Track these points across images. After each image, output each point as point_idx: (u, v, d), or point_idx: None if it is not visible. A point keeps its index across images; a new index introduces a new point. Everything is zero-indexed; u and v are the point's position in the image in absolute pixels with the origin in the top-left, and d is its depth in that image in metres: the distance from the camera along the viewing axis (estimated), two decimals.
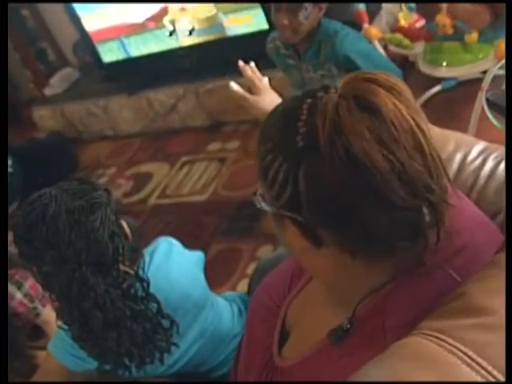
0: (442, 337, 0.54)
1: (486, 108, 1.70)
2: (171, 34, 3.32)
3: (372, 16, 2.83)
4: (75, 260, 1.04)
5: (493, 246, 0.69)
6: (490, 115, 1.69)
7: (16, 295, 1.98)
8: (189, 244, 1.40)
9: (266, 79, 1.32)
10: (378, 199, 0.59)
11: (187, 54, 3.35)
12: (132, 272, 1.13)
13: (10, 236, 1.10)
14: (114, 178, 3.39)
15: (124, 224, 1.15)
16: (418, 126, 0.60)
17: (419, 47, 2.48)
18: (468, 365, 0.51)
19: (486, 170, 0.88)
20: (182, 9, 3.20)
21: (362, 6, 2.45)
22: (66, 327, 1.13)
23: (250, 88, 1.31)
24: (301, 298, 0.90)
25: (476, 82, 2.25)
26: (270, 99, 1.27)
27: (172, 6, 3.23)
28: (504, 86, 1.64)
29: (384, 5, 3.01)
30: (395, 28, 2.76)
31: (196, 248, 1.44)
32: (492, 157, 0.90)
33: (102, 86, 3.82)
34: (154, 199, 3.06)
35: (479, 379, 0.50)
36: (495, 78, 2.03)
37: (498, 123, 1.70)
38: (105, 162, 3.64)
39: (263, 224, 2.45)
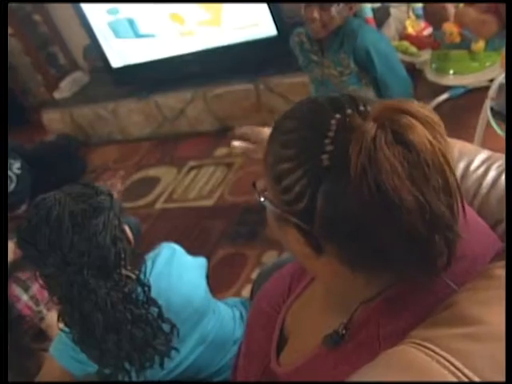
0: (431, 346, 0.54)
1: (490, 117, 1.70)
2: (180, 39, 3.34)
3: (380, 23, 2.84)
4: (77, 263, 1.06)
5: (491, 256, 0.69)
6: (494, 124, 1.68)
7: (22, 297, 1.98)
8: (194, 248, 1.41)
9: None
10: (397, 232, 0.59)
11: (195, 60, 3.36)
12: (134, 276, 1.14)
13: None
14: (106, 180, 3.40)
15: (126, 228, 1.16)
16: (448, 163, 0.59)
17: (426, 55, 2.48)
18: (454, 374, 0.51)
19: (488, 179, 0.88)
20: (190, 14, 3.21)
21: (369, 13, 2.46)
22: (67, 330, 1.13)
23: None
24: (299, 304, 0.90)
25: (484, 90, 2.24)
26: None
27: (181, 13, 3.24)
28: None
29: (392, 12, 3.02)
30: (402, 35, 2.76)
31: (201, 252, 1.45)
32: (495, 166, 0.89)
33: (111, 90, 3.84)
34: (160, 203, 3.06)
35: None
36: (501, 86, 2.03)
37: (502, 132, 1.70)
38: (113, 165, 3.65)
39: (268, 230, 2.44)
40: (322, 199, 0.60)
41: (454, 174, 0.60)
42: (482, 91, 2.30)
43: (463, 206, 0.63)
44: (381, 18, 2.90)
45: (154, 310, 1.15)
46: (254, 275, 2.23)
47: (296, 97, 2.93)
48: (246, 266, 2.37)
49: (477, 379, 0.50)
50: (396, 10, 3.02)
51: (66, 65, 4.39)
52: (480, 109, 2.19)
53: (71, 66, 4.38)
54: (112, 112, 3.79)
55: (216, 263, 2.43)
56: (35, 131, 4.17)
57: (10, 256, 1.88)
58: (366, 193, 0.57)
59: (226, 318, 1.38)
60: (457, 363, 0.52)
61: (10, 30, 3.84)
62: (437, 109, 2.59)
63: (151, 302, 1.14)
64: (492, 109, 1.72)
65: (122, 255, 1.10)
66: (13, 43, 4.09)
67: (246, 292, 2.15)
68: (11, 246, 1.83)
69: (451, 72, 2.36)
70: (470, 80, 2.38)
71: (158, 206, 3.05)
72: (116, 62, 3.65)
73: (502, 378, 0.52)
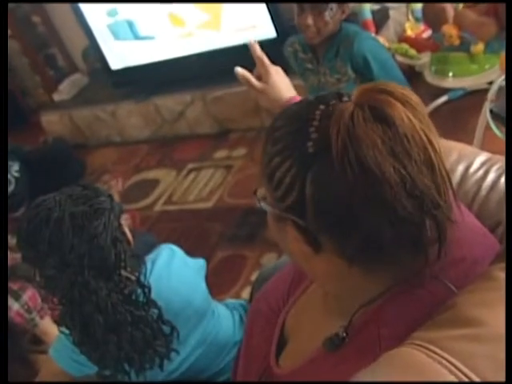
0: (432, 347, 0.54)
1: (489, 119, 1.70)
2: (180, 41, 3.34)
3: (379, 26, 2.85)
4: (78, 264, 1.06)
5: (490, 258, 0.69)
6: (493, 126, 1.69)
7: (13, 306, 1.99)
8: (194, 250, 1.41)
9: (278, 68, 1.23)
10: (384, 211, 0.59)
11: (195, 62, 3.36)
12: (133, 278, 1.14)
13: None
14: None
15: (126, 230, 1.16)
16: (430, 142, 0.60)
17: (426, 57, 2.48)
18: (455, 375, 0.52)
19: (488, 181, 0.88)
20: (189, 16, 3.21)
21: (368, 16, 2.46)
22: (67, 331, 1.13)
23: (259, 74, 1.21)
24: (299, 305, 0.90)
25: (483, 93, 2.24)
26: (279, 87, 1.18)
27: (179, 14, 3.24)
28: None
29: (391, 14, 3.02)
30: (402, 38, 2.77)
31: (201, 254, 1.45)
32: (494, 168, 0.90)
33: (110, 93, 3.84)
34: (160, 205, 3.06)
35: None
36: (501, 88, 2.03)
37: (501, 134, 1.70)
38: (112, 167, 3.65)
39: (268, 231, 2.45)
40: (310, 186, 0.61)
41: (438, 154, 0.61)
42: (481, 93, 2.31)
43: (451, 186, 0.63)
44: (380, 21, 2.90)
45: (154, 311, 1.15)
46: (253, 277, 2.22)
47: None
48: (246, 267, 2.37)
49: (478, 380, 0.50)
50: (395, 12, 3.02)
51: (65, 67, 4.40)
52: (479, 111, 2.19)
53: (70, 67, 4.39)
54: (111, 114, 3.79)
55: (215, 265, 2.43)
56: (34, 133, 4.17)
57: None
58: (349, 171, 0.58)
59: (225, 319, 1.38)
60: (458, 364, 0.52)
61: (8, 32, 3.84)
62: (436, 111, 2.60)
63: (151, 303, 1.14)
64: (491, 111, 1.72)
65: (122, 256, 1.10)
66: (11, 44, 4.09)
67: (246, 294, 2.15)
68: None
69: (450, 74, 2.37)
70: (470, 82, 2.38)
71: (158, 208, 3.05)
72: (115, 64, 3.66)
73: (503, 379, 0.52)
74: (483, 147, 2.10)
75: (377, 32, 2.55)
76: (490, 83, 2.22)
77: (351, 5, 2.18)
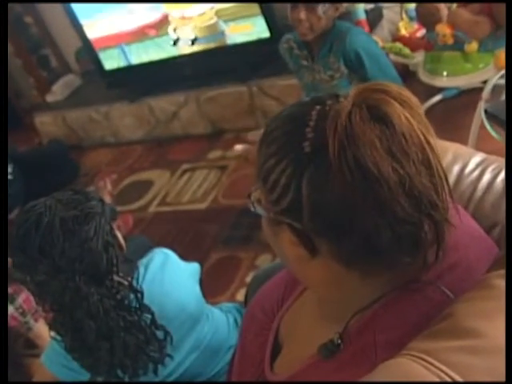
0: (429, 359, 0.53)
1: (484, 119, 1.70)
2: (175, 43, 3.33)
3: (373, 25, 2.84)
4: (69, 270, 1.04)
5: (487, 261, 0.68)
6: (488, 126, 1.68)
7: (8, 309, 1.97)
8: (188, 252, 1.40)
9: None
10: (382, 211, 0.58)
11: (188, 62, 3.35)
12: (126, 283, 1.13)
13: None
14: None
15: (118, 234, 1.15)
16: (428, 142, 0.59)
17: (419, 56, 2.48)
18: None
19: (483, 182, 0.87)
20: (183, 17, 3.20)
21: (362, 15, 2.45)
22: (58, 338, 1.12)
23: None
24: (293, 311, 0.89)
25: (477, 91, 2.25)
26: None
27: (173, 15, 3.24)
28: (503, 97, 1.64)
29: (385, 14, 3.02)
30: (395, 37, 2.76)
31: (195, 256, 1.44)
32: (490, 169, 0.89)
33: (103, 93, 3.83)
34: (154, 207, 3.05)
35: None
36: (495, 87, 2.03)
37: (496, 134, 1.69)
38: (106, 168, 3.64)
39: (262, 233, 2.43)
40: (306, 187, 0.60)
41: (435, 154, 0.60)
42: (475, 92, 2.31)
43: (448, 187, 0.62)
44: (374, 20, 2.90)
45: (147, 316, 1.13)
46: (248, 279, 2.22)
47: (289, 99, 2.93)
48: (240, 269, 2.36)
49: None
50: (389, 11, 3.02)
51: (58, 68, 4.38)
52: (473, 110, 2.19)
53: (63, 68, 4.37)
54: (105, 115, 3.78)
55: (210, 267, 2.42)
56: (28, 135, 4.16)
57: None
58: (347, 171, 0.57)
59: (220, 323, 1.37)
60: (456, 377, 0.51)
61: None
62: (430, 110, 2.59)
63: (144, 308, 1.13)
64: (486, 110, 1.72)
65: (114, 261, 1.09)
66: None
67: (241, 296, 2.14)
68: None
69: (444, 73, 2.36)
70: (464, 81, 2.38)
71: (152, 209, 3.04)
72: (108, 64, 3.64)
73: None
74: (478, 146, 2.09)
75: (371, 31, 2.54)
76: (485, 82, 2.21)
77: (345, 4, 2.18)
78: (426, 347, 0.56)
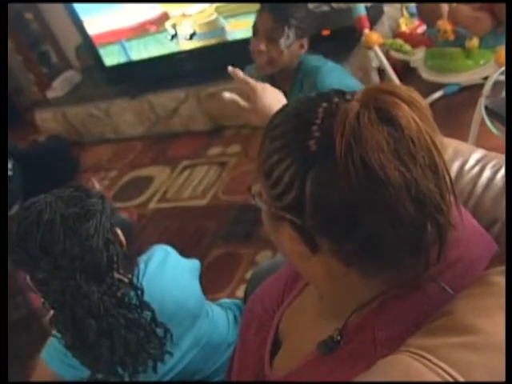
0: (428, 356, 0.53)
1: (484, 115, 1.70)
2: (173, 37, 3.33)
3: (374, 21, 2.83)
4: (69, 267, 1.04)
5: (486, 258, 0.68)
6: (488, 123, 1.68)
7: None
8: (188, 248, 1.40)
9: (266, 85, 1.22)
10: (386, 213, 0.58)
11: (188, 58, 3.35)
12: (126, 280, 1.13)
13: None
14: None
15: (119, 231, 1.15)
16: (435, 145, 0.59)
17: (420, 53, 2.47)
18: None
19: (483, 178, 0.87)
20: (183, 14, 3.20)
21: (363, 12, 2.45)
22: (59, 335, 1.12)
23: (248, 94, 1.21)
24: (293, 307, 0.89)
25: (478, 88, 2.24)
26: (269, 104, 1.15)
27: (173, 12, 3.23)
28: (504, 94, 1.64)
29: (386, 10, 3.01)
30: (396, 33, 2.76)
31: (195, 252, 1.44)
32: (490, 165, 0.89)
33: (103, 89, 3.83)
34: (154, 203, 3.05)
35: None
36: (496, 84, 2.03)
37: (496, 130, 1.69)
38: (106, 165, 3.64)
39: (263, 229, 2.44)
40: (310, 186, 0.60)
41: (441, 155, 0.60)
42: (476, 89, 2.30)
43: (453, 190, 0.62)
44: (374, 16, 2.89)
45: (148, 313, 1.13)
46: (248, 275, 2.21)
47: None
48: (241, 265, 2.36)
49: None
50: (390, 7, 3.02)
51: (59, 64, 4.38)
52: (474, 106, 2.19)
53: (63, 64, 4.37)
54: (105, 111, 3.77)
55: (210, 263, 2.42)
56: (28, 131, 4.16)
57: None
58: (353, 172, 0.57)
59: (219, 320, 1.37)
60: (454, 373, 0.51)
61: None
62: (431, 106, 2.55)
63: (144, 305, 1.13)
64: (486, 107, 1.72)
65: (115, 259, 1.09)
66: None
67: (241, 292, 2.14)
68: None
69: (445, 70, 2.35)
70: (464, 78, 2.38)
71: (152, 205, 3.04)
72: (109, 60, 3.63)
73: None
74: (478, 143, 2.09)
75: (371, 28, 2.53)
76: (485, 78, 2.21)
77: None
78: (424, 344, 0.56)
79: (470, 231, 0.77)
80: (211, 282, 2.12)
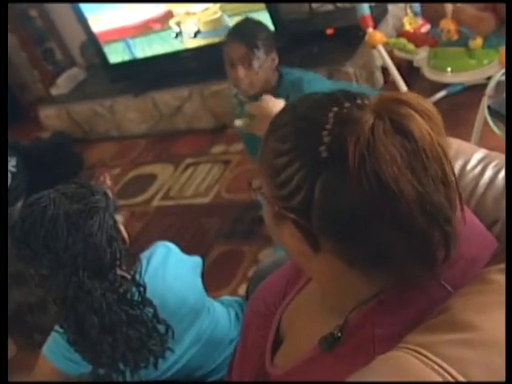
0: (425, 352, 0.54)
1: (487, 115, 1.70)
2: (177, 35, 3.33)
3: (378, 20, 2.83)
4: (72, 264, 1.05)
5: (487, 256, 0.69)
6: (491, 122, 1.68)
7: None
8: (191, 246, 1.40)
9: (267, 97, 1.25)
10: (396, 224, 0.59)
11: (192, 56, 3.35)
12: (129, 276, 1.13)
13: None
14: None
15: (122, 228, 1.15)
16: (446, 156, 0.59)
17: (424, 52, 2.47)
18: (448, 382, 0.51)
19: (485, 178, 0.87)
20: (187, 13, 3.20)
21: (367, 11, 2.44)
22: (61, 331, 1.13)
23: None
24: (295, 304, 0.89)
25: (482, 88, 2.24)
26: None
27: (177, 9, 3.23)
28: None
29: (390, 9, 3.01)
30: (400, 32, 2.76)
31: (198, 250, 1.44)
32: (492, 165, 0.89)
33: (107, 87, 3.83)
34: (157, 201, 3.06)
35: None
36: (499, 84, 2.03)
37: (499, 131, 1.69)
38: (110, 162, 3.64)
39: (265, 227, 2.44)
40: (319, 192, 0.60)
41: (451, 167, 0.60)
42: (479, 89, 2.30)
43: (461, 201, 0.63)
44: (378, 15, 2.89)
45: (149, 310, 1.14)
46: (250, 273, 2.22)
47: None
48: (243, 263, 2.37)
49: None
50: (394, 6, 3.01)
51: (63, 61, 4.38)
52: (477, 106, 2.19)
53: (68, 62, 4.37)
54: (109, 109, 3.78)
55: (213, 261, 2.43)
56: (32, 128, 4.16)
57: None
58: (365, 183, 0.57)
59: (221, 317, 1.38)
60: (451, 370, 0.52)
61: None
62: (434, 106, 2.58)
63: (146, 302, 1.13)
64: (489, 107, 1.71)
65: (118, 255, 1.09)
66: (9, 39, 4.06)
67: (243, 290, 2.14)
68: None
69: (449, 69, 2.35)
70: (468, 77, 2.37)
71: (155, 203, 3.04)
72: (113, 58, 3.64)
73: None
74: (481, 143, 2.09)
75: (375, 27, 2.53)
76: (489, 78, 2.21)
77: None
78: (422, 340, 0.56)
79: (471, 229, 0.77)
80: (213, 280, 2.13)
